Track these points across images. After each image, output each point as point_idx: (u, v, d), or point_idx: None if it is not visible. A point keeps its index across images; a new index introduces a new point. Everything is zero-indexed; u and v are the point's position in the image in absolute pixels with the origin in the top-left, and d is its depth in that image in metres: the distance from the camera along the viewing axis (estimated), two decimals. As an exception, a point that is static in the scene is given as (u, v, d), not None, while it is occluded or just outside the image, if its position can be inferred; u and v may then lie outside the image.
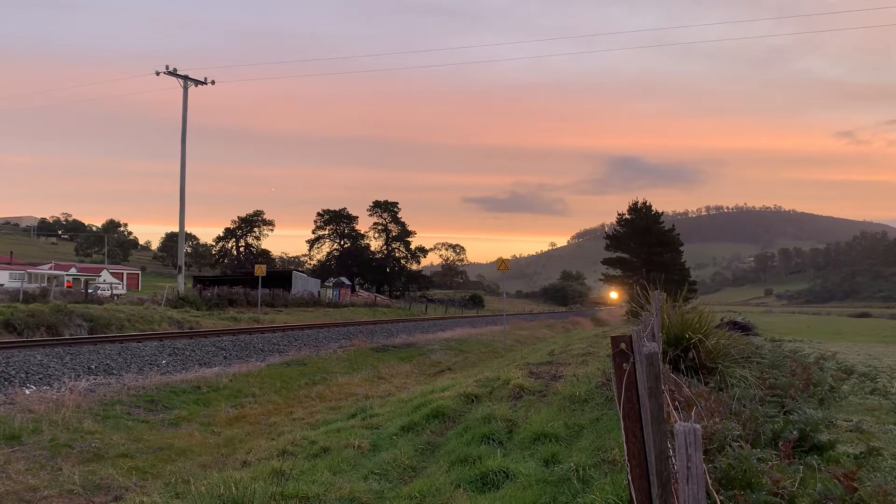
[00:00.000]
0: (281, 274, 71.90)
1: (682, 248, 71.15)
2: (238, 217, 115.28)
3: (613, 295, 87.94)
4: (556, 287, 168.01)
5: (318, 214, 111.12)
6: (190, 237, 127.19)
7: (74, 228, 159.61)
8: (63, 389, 13.81)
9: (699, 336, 9.42)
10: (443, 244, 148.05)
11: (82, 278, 63.34)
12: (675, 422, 2.64)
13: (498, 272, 34.13)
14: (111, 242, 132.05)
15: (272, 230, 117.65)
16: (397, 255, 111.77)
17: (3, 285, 49.38)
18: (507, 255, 34.97)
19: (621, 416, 3.47)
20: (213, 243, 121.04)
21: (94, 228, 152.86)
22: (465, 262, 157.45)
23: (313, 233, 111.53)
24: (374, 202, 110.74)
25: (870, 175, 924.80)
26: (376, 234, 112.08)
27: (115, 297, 41.47)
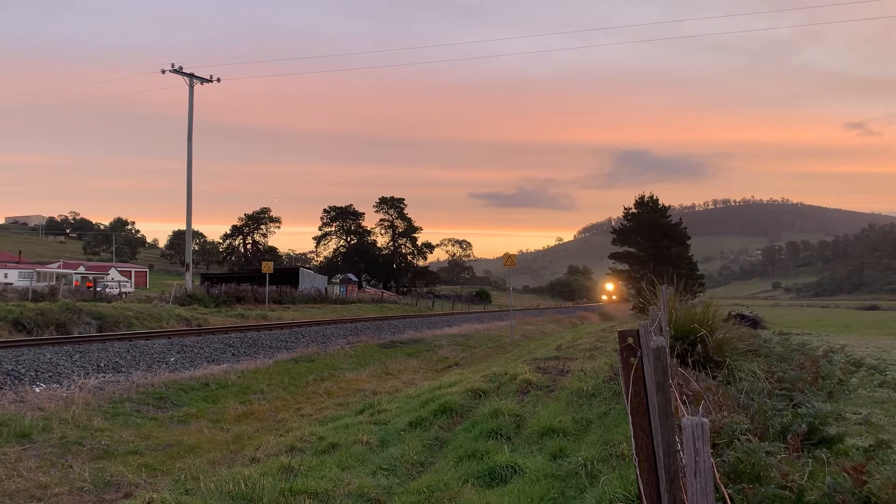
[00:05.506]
0: (288, 271, 72.21)
1: (689, 242, 70.89)
2: (245, 214, 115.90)
3: (609, 287, 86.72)
4: (562, 282, 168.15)
5: (325, 211, 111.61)
6: (197, 235, 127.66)
7: (82, 227, 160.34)
8: (72, 387, 13.89)
9: (707, 330, 9.39)
10: (449, 240, 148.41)
11: (91, 276, 63.64)
12: (683, 416, 2.63)
13: (504, 268, 34.12)
14: (119, 241, 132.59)
15: (279, 227, 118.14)
16: (404, 251, 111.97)
17: (12, 284, 49.71)
18: (513, 251, 34.98)
19: (629, 410, 3.47)
20: (221, 241, 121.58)
21: (101, 227, 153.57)
22: (472, 257, 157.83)
23: (320, 229, 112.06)
24: (380, 198, 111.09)
25: (879, 167, 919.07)
26: (383, 231, 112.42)
27: (124, 295, 41.66)
